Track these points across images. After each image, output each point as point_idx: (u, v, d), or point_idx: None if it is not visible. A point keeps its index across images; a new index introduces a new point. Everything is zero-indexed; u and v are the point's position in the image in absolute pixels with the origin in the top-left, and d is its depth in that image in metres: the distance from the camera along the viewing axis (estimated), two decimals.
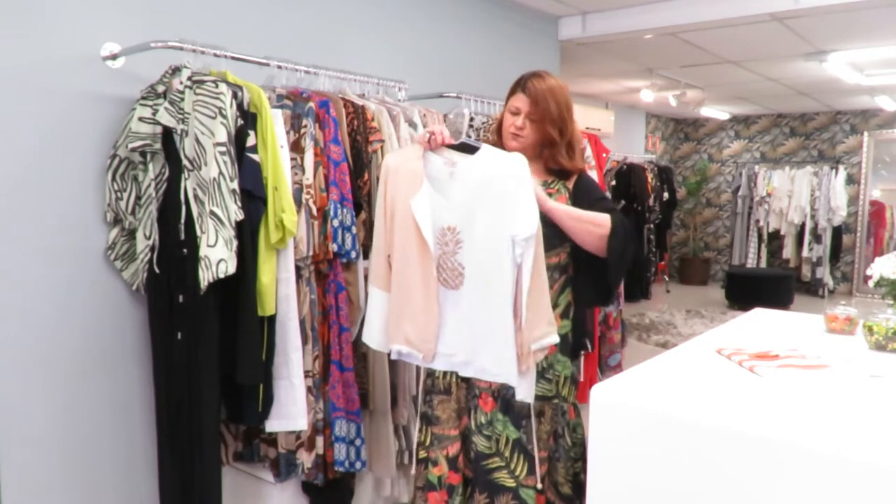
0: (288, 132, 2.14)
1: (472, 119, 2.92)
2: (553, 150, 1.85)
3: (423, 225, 1.69)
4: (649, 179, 6.76)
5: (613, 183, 5.80)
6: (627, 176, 6.38)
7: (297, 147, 2.16)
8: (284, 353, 2.10)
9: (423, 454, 1.94)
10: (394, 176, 1.77)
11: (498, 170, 1.67)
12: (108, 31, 2.19)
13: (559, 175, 1.89)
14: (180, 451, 2.08)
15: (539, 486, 1.81)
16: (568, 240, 1.82)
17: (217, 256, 1.88)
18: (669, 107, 7.85)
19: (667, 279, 8.88)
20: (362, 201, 2.31)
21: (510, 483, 1.80)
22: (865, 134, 8.42)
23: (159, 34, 2.17)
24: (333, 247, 2.18)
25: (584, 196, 1.85)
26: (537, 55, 4.28)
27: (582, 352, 3.59)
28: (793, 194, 8.36)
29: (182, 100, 1.98)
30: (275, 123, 2.05)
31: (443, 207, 1.72)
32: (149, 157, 2.09)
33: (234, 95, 1.95)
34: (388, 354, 1.81)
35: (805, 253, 8.34)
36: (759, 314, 2.28)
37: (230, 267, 1.89)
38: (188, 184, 1.96)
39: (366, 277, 2.17)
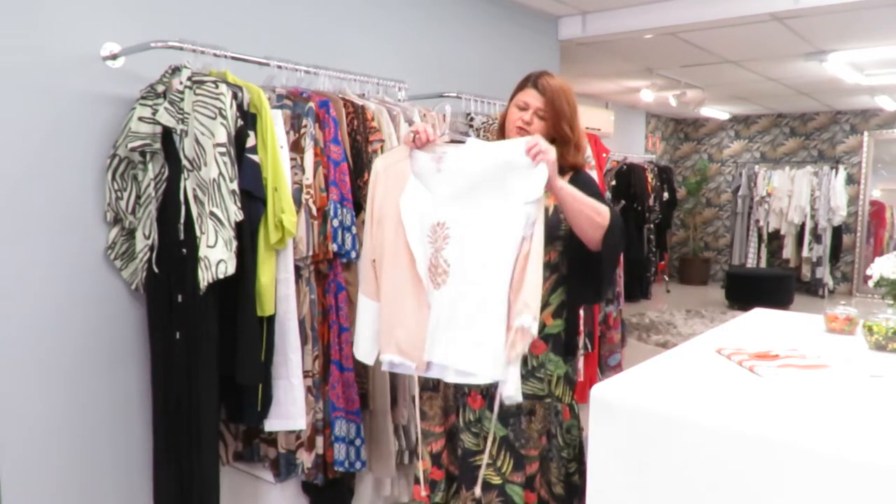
0: (288, 132, 2.14)
1: (472, 119, 2.92)
2: (565, 149, 1.85)
3: (409, 224, 1.68)
4: (649, 179, 6.76)
5: (613, 183, 5.80)
6: (627, 176, 6.38)
7: (297, 147, 2.16)
8: (284, 353, 2.10)
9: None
10: (383, 178, 1.76)
11: (486, 159, 1.66)
12: (108, 31, 2.19)
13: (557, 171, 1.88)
14: (178, 450, 2.08)
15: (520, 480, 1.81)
16: (559, 238, 1.81)
17: (217, 257, 1.88)
18: (669, 107, 7.85)
19: (667, 279, 8.88)
20: (362, 201, 2.31)
21: (496, 480, 1.80)
22: (865, 134, 8.42)
23: (159, 34, 2.17)
24: (333, 247, 2.18)
25: (581, 191, 1.85)
26: (537, 55, 4.28)
27: (581, 352, 3.60)
28: (793, 194, 8.37)
29: (182, 100, 1.98)
30: (275, 124, 2.05)
31: (432, 204, 1.71)
32: (148, 156, 2.09)
33: (234, 96, 1.95)
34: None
35: (805, 253, 8.34)
36: (759, 314, 2.28)
37: (230, 267, 1.89)
38: (188, 184, 1.96)
39: None
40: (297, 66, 2.31)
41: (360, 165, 2.31)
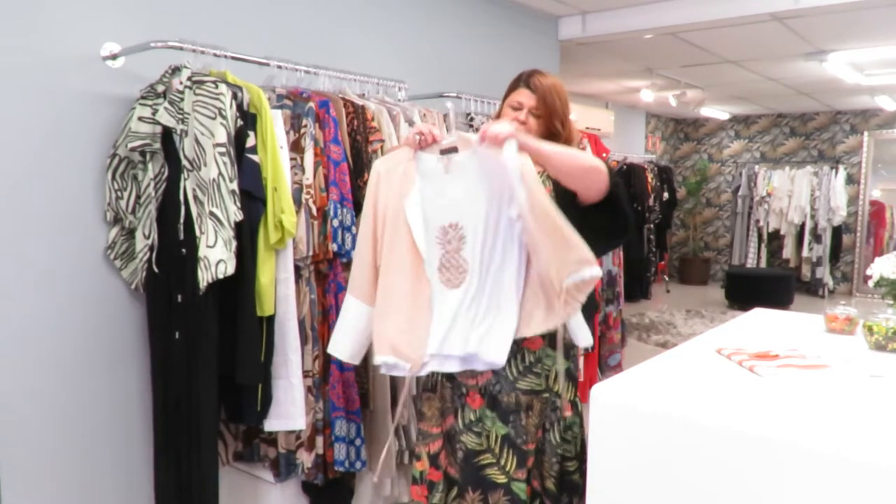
0: (288, 132, 2.14)
1: (472, 119, 2.92)
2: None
3: (415, 227, 1.67)
4: (649, 179, 6.76)
5: None
6: (627, 176, 6.38)
7: (297, 147, 2.16)
8: (283, 353, 2.10)
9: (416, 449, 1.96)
10: (386, 180, 1.75)
11: (494, 156, 1.65)
12: (108, 31, 2.19)
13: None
14: (178, 450, 2.08)
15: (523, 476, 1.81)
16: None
17: (216, 257, 1.88)
18: (669, 107, 7.85)
19: (667, 279, 8.88)
20: (362, 201, 2.30)
21: (501, 479, 1.80)
22: (865, 134, 8.42)
23: (159, 34, 2.17)
24: (333, 247, 2.18)
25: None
26: (537, 55, 4.28)
27: (583, 349, 3.59)
28: (793, 194, 8.37)
29: (182, 100, 1.98)
30: (274, 124, 2.05)
31: (441, 205, 1.71)
32: (148, 156, 2.09)
33: (234, 96, 1.95)
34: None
35: (805, 253, 8.34)
36: (759, 314, 2.28)
37: (229, 267, 1.89)
38: (187, 184, 1.96)
39: None
40: (297, 66, 2.31)
41: (360, 165, 2.31)
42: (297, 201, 2.11)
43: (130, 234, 2.19)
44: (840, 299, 7.52)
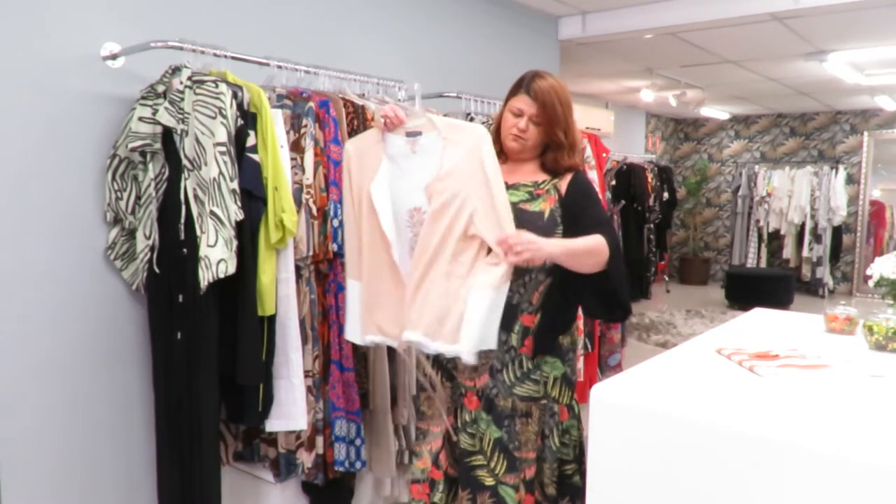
0: (288, 132, 2.14)
1: (471, 119, 2.92)
2: (557, 153, 1.83)
3: (382, 209, 1.67)
4: (649, 179, 6.75)
5: (613, 183, 5.79)
6: (627, 176, 6.37)
7: (297, 147, 2.16)
8: (284, 353, 2.10)
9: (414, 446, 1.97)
10: (357, 161, 1.75)
11: (460, 140, 1.67)
12: (108, 31, 2.19)
13: (552, 174, 1.86)
14: (179, 450, 2.08)
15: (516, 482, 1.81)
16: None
17: (217, 256, 1.88)
18: (669, 107, 7.85)
19: (667, 279, 8.88)
20: None
21: (489, 481, 1.80)
22: (865, 134, 8.42)
23: (159, 34, 2.17)
24: (333, 246, 2.18)
25: (576, 199, 1.82)
26: (537, 55, 4.28)
27: (581, 352, 3.59)
28: (793, 194, 8.37)
29: (182, 100, 1.98)
30: (275, 123, 2.05)
31: (408, 188, 1.70)
32: (149, 156, 2.09)
33: (234, 95, 1.95)
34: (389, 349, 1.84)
35: (805, 253, 8.34)
36: (759, 314, 2.28)
37: (230, 267, 1.89)
38: (188, 184, 1.96)
39: None
40: (297, 66, 2.31)
41: None
42: (298, 201, 2.11)
43: (131, 234, 2.19)
44: (840, 299, 7.52)
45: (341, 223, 2.20)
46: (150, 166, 2.09)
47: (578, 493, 1.86)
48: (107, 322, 2.23)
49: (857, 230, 8.46)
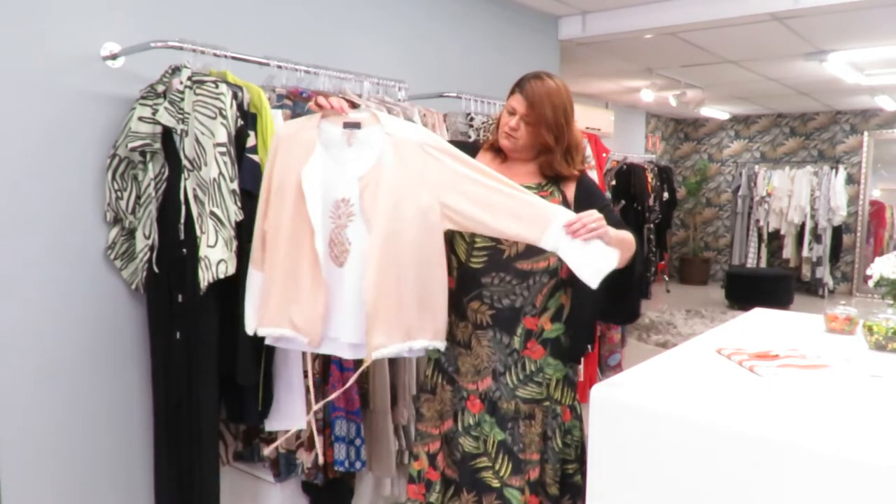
0: None
1: (471, 119, 2.92)
2: (549, 157, 1.79)
3: (310, 197, 1.62)
4: (649, 179, 6.74)
5: (613, 183, 5.80)
6: (627, 176, 6.37)
7: None
8: (284, 353, 2.10)
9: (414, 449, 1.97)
10: (285, 146, 1.69)
11: (402, 136, 1.63)
12: (108, 31, 2.19)
13: (553, 178, 1.84)
14: (179, 450, 2.08)
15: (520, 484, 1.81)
16: None
17: (217, 257, 1.88)
18: (669, 107, 7.85)
19: (667, 279, 8.88)
20: None
21: (495, 483, 1.80)
22: (865, 134, 8.43)
23: (159, 34, 2.17)
24: None
25: (587, 204, 1.77)
26: (537, 55, 4.28)
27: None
28: (793, 194, 8.37)
29: (182, 100, 1.98)
30: (275, 124, 2.05)
31: (338, 178, 1.66)
32: (148, 156, 2.09)
33: (234, 96, 1.95)
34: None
35: (805, 253, 8.34)
36: (759, 314, 2.28)
37: (230, 267, 1.89)
38: (188, 184, 1.96)
39: None
40: (297, 66, 2.30)
41: None
42: None
43: (131, 234, 2.19)
44: (840, 299, 7.52)
45: None
46: (150, 166, 2.09)
47: (580, 492, 1.86)
48: (106, 322, 2.23)
49: (857, 230, 8.46)
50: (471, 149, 1.87)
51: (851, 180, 8.42)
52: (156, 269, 2.10)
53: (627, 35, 4.50)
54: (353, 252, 1.66)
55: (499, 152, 1.87)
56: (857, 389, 1.44)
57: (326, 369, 2.25)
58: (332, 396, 2.02)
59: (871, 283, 1.96)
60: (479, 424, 1.83)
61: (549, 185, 1.83)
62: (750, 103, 8.28)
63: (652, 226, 7.00)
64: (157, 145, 2.05)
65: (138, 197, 2.14)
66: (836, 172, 8.16)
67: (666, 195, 7.23)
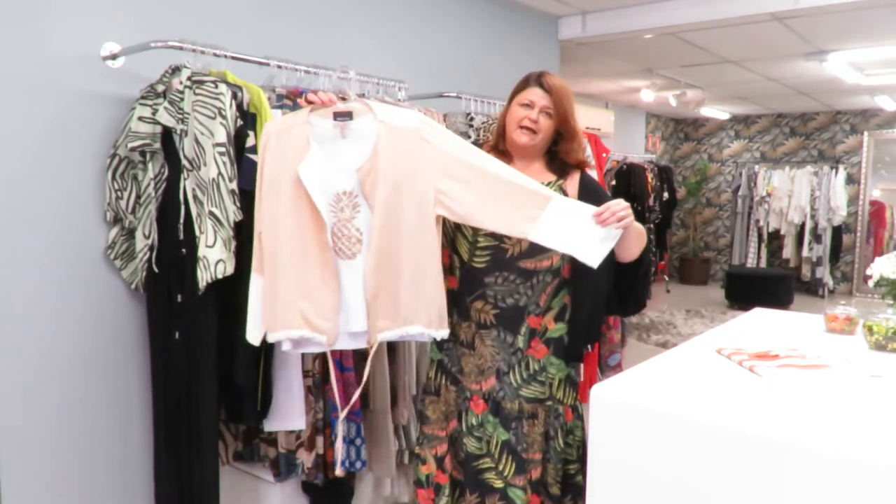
0: None
1: (472, 119, 2.92)
2: (568, 146, 1.84)
3: (314, 192, 1.62)
4: (649, 179, 6.75)
5: (613, 183, 5.80)
6: (627, 176, 6.37)
7: None
8: (283, 353, 2.10)
9: (416, 450, 1.97)
10: (275, 144, 1.68)
11: (396, 123, 1.64)
12: (108, 31, 2.19)
13: (559, 174, 1.87)
14: (178, 450, 2.08)
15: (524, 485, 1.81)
16: None
17: (216, 257, 1.88)
18: (669, 107, 7.85)
19: (667, 279, 8.88)
20: None
21: (499, 484, 1.80)
22: (865, 134, 8.42)
23: (159, 34, 2.17)
24: None
25: (591, 201, 1.78)
26: (537, 55, 4.28)
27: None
28: (793, 194, 8.36)
29: (182, 100, 1.98)
30: None
31: (335, 171, 1.66)
32: (148, 156, 2.09)
33: (234, 96, 1.95)
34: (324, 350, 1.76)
35: (805, 253, 8.34)
36: (759, 314, 2.28)
37: (228, 267, 1.89)
38: (187, 184, 1.96)
39: None
40: (297, 66, 2.30)
41: None
42: None
43: (130, 234, 2.19)
44: (840, 299, 7.52)
45: None
46: (150, 166, 2.09)
47: (581, 492, 1.87)
48: (106, 321, 2.22)
49: (857, 230, 8.46)
50: None
51: (851, 180, 8.42)
52: (155, 269, 2.10)
53: (627, 35, 4.50)
54: (367, 241, 1.67)
55: (500, 154, 1.86)
56: (857, 389, 1.44)
57: (326, 369, 2.25)
58: (356, 394, 1.98)
59: (871, 283, 1.96)
60: (482, 425, 1.83)
61: (551, 185, 1.85)
62: (750, 103, 8.28)
63: (652, 226, 7.00)
64: (157, 145, 2.05)
65: (138, 197, 2.14)
66: (836, 172, 8.16)
67: (666, 195, 7.23)
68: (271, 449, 2.25)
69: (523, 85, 1.84)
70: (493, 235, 1.78)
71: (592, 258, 1.62)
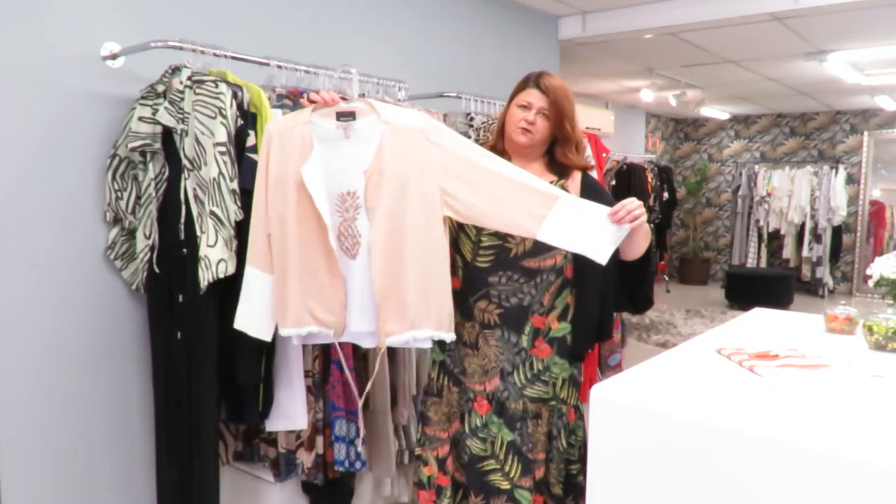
0: None
1: (472, 119, 2.92)
2: (565, 147, 1.84)
3: (316, 193, 1.63)
4: (649, 179, 6.74)
5: (613, 183, 5.80)
6: (627, 176, 6.37)
7: None
8: (284, 353, 2.10)
9: (417, 451, 1.96)
10: (278, 144, 1.69)
11: (401, 123, 1.64)
12: (108, 31, 2.19)
13: (559, 174, 1.87)
14: (179, 450, 2.08)
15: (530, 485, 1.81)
16: None
17: (217, 256, 1.88)
18: (669, 107, 7.85)
19: (667, 279, 8.88)
20: None
21: (505, 485, 1.80)
22: (865, 134, 8.42)
23: (159, 34, 2.17)
24: None
25: (593, 200, 1.78)
26: (537, 55, 4.28)
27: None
28: (793, 194, 8.37)
29: (182, 99, 1.98)
30: None
31: (339, 171, 1.67)
32: (149, 156, 2.09)
33: (234, 95, 1.95)
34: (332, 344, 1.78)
35: (805, 253, 8.34)
36: (759, 314, 2.27)
37: (230, 267, 1.89)
38: (188, 184, 1.96)
39: None
40: (297, 66, 2.30)
41: None
42: None
43: (131, 234, 2.19)
44: (840, 299, 7.51)
45: None
46: (150, 166, 2.09)
47: (582, 492, 1.87)
48: (106, 322, 2.23)
49: (857, 230, 8.46)
50: None
51: (851, 180, 8.42)
52: (156, 269, 2.10)
53: (627, 35, 4.50)
54: (364, 244, 1.68)
55: (500, 154, 1.87)
56: (857, 389, 1.44)
57: (326, 369, 2.25)
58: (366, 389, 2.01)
59: (871, 283, 1.96)
60: (486, 426, 1.82)
61: (553, 185, 1.83)
62: (750, 103, 8.28)
63: (652, 226, 7.00)
64: (158, 145, 2.05)
65: (138, 197, 2.14)
66: (836, 172, 8.16)
67: (666, 195, 7.23)
68: (271, 449, 2.25)
69: (522, 86, 1.85)
70: (496, 235, 1.78)
71: (601, 255, 1.63)
